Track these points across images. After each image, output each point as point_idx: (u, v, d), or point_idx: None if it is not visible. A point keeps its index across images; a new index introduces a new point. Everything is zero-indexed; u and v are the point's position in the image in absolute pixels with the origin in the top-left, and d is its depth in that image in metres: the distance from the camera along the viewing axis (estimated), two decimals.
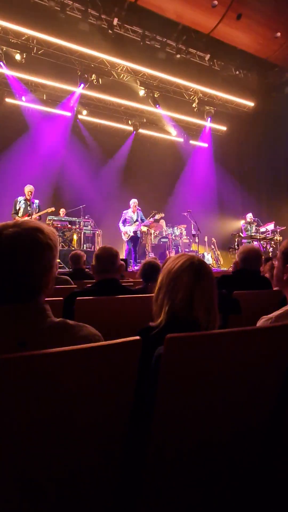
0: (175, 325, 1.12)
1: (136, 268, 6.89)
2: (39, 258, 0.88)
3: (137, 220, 7.60)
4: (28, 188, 6.81)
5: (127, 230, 7.59)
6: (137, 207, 7.69)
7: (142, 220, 7.70)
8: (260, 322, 1.35)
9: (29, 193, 6.78)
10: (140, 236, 7.87)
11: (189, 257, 1.21)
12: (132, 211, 7.67)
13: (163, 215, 8.88)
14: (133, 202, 7.70)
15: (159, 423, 0.85)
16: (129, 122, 10.62)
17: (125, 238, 7.66)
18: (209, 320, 1.13)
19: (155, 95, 9.33)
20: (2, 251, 0.86)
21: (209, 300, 1.15)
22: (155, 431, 0.85)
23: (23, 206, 6.77)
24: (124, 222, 7.68)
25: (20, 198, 6.83)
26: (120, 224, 7.69)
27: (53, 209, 7.27)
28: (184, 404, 0.88)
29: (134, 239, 7.66)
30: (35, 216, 6.75)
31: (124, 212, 7.75)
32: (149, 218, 8.15)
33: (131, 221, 7.60)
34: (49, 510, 0.78)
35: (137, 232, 7.62)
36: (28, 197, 6.77)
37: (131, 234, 7.57)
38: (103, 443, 0.82)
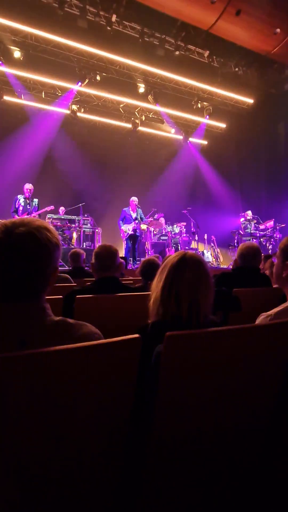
0: (160, 320, 1.12)
1: (136, 266, 6.89)
2: (50, 258, 0.88)
3: (136, 218, 7.60)
4: (27, 186, 6.83)
5: (126, 228, 7.60)
6: (136, 205, 7.69)
7: (142, 219, 7.70)
8: (260, 319, 1.35)
9: (28, 191, 6.79)
10: (139, 234, 7.88)
11: (182, 252, 1.21)
12: (131, 209, 7.67)
13: (162, 215, 8.90)
14: (133, 200, 7.70)
15: (160, 421, 0.85)
16: (128, 119, 10.59)
17: (124, 236, 7.67)
18: (191, 314, 1.09)
19: (154, 93, 9.30)
20: (14, 250, 0.84)
21: (193, 293, 1.11)
22: (155, 429, 0.85)
23: (23, 204, 6.79)
24: (124, 220, 7.68)
25: (20, 196, 6.84)
26: (120, 222, 7.70)
27: (52, 207, 7.27)
28: (185, 403, 0.88)
29: (133, 237, 7.66)
30: (34, 214, 6.76)
31: (123, 210, 7.75)
32: (148, 217, 8.16)
33: (130, 219, 7.60)
34: (49, 510, 0.77)
35: (136, 230, 7.62)
36: (27, 195, 6.79)
37: (130, 232, 7.57)
38: (103, 442, 0.81)
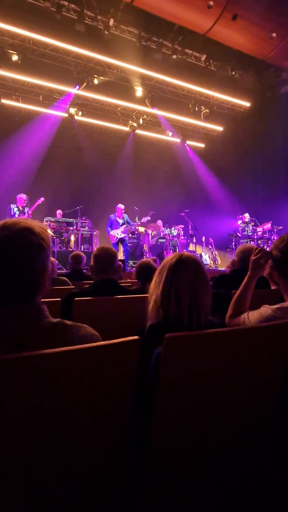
0: (160, 322, 1.12)
1: (128, 268, 7.05)
2: (33, 260, 0.86)
3: (123, 224, 7.92)
4: (23, 197, 7.15)
5: (115, 233, 7.81)
6: (122, 211, 8.02)
7: (129, 223, 7.94)
8: (262, 309, 1.36)
9: (23, 201, 7.01)
10: (137, 236, 8.10)
11: (179, 253, 1.21)
12: (117, 216, 7.95)
13: (160, 222, 9.09)
14: (119, 206, 8.08)
15: (160, 423, 0.84)
16: (126, 123, 10.62)
17: (113, 240, 7.87)
18: (191, 315, 1.09)
19: (152, 96, 9.34)
20: None
21: (193, 294, 1.11)
22: (156, 431, 0.84)
23: (17, 213, 6.93)
24: (111, 226, 7.94)
25: (13, 206, 7.04)
26: (108, 229, 8.02)
27: (42, 199, 7.37)
28: (185, 404, 0.88)
29: (122, 241, 7.90)
30: (29, 212, 6.92)
31: (109, 216, 8.11)
32: (146, 217, 8.26)
33: (117, 225, 7.93)
34: None
35: (126, 234, 7.97)
36: (22, 205, 6.96)
37: (119, 236, 7.86)
38: (104, 444, 0.81)
